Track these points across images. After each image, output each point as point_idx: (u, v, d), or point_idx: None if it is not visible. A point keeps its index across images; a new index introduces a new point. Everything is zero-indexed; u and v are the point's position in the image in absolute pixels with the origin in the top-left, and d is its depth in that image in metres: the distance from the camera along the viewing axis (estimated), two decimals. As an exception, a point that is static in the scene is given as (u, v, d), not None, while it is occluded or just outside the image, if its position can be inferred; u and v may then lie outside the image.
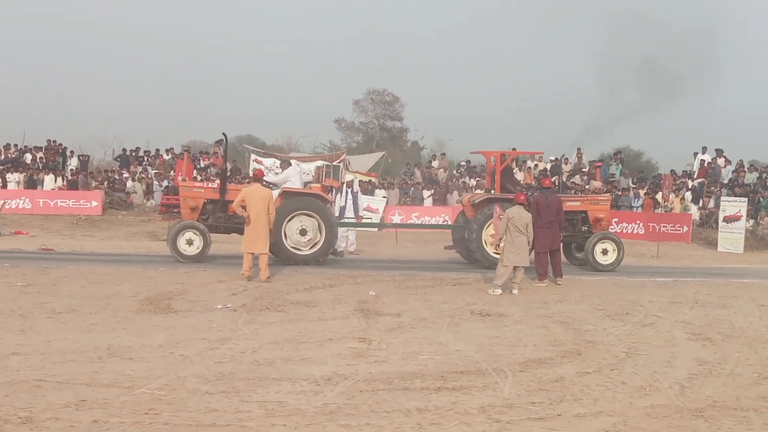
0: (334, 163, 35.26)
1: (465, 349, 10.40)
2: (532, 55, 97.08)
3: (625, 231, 29.98)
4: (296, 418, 7.30)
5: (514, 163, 35.72)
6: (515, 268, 15.54)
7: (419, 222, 31.34)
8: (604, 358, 10.12)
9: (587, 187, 33.24)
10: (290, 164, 21.16)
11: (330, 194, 20.72)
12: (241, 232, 19.01)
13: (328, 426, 7.14)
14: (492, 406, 7.87)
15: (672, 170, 33.89)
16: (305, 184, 21.50)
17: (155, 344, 10.07)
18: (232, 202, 18.68)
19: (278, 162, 35.06)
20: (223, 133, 20.57)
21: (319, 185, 20.73)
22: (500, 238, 15.80)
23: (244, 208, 15.82)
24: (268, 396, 7.96)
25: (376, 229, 29.64)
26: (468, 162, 39.74)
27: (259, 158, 36.33)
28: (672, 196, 29.58)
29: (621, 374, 9.35)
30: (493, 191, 20.28)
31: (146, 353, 9.60)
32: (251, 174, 21.98)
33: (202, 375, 8.65)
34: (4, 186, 33.54)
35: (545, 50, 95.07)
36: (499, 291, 15.27)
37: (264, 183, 17.54)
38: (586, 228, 20.06)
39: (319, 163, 35.92)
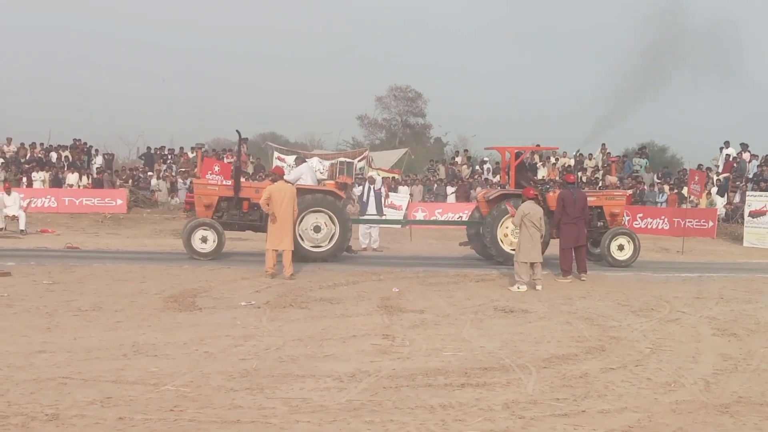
0: (356, 160, 35.39)
1: (488, 345, 10.38)
2: (558, 51, 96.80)
3: (649, 226, 29.88)
4: (320, 414, 7.32)
5: (537, 159, 35.76)
6: (532, 264, 15.49)
7: (443, 218, 31.32)
8: (628, 354, 10.08)
9: (605, 182, 33.11)
10: (304, 161, 21.18)
11: (347, 191, 20.67)
12: (255, 229, 19.09)
13: (352, 422, 7.15)
14: (516, 402, 7.86)
15: (699, 165, 33.67)
16: (319, 181, 21.51)
17: (180, 341, 10.12)
18: (246, 199, 18.78)
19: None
20: (237, 131, 20.64)
21: (332, 182, 20.71)
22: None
23: (269, 205, 15.84)
24: (292, 393, 7.98)
25: (399, 226, 29.62)
26: (482, 161, 39.81)
27: (282, 155, 36.47)
28: (698, 188, 29.14)
29: (646, 370, 9.30)
30: (507, 187, 20.23)
31: (171, 350, 9.65)
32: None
33: (227, 372, 8.68)
34: (30, 185, 33.81)
35: (574, 46, 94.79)
36: (525, 287, 15.21)
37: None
38: (602, 223, 19.93)
39: (342, 159, 36.06)
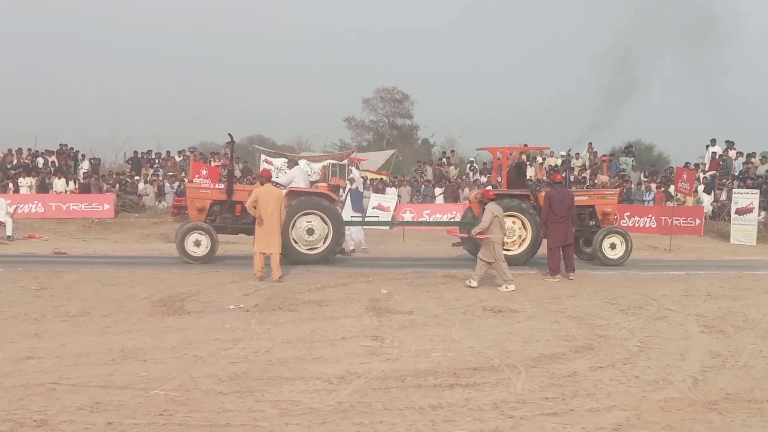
0: (343, 162, 35.39)
1: (477, 345, 10.40)
2: (542, 51, 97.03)
3: (637, 225, 29.97)
4: (310, 416, 7.33)
5: (525, 159, 35.84)
6: (491, 263, 15.58)
7: (431, 219, 31.34)
8: (617, 353, 10.12)
9: (595, 181, 33.19)
10: (296, 164, 21.17)
11: (339, 193, 20.65)
12: (248, 232, 19.06)
13: (342, 424, 7.15)
14: (505, 402, 7.88)
15: (687, 163, 33.81)
16: (312, 183, 21.48)
17: (169, 346, 10.11)
18: (239, 202, 18.78)
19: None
20: (229, 134, 20.65)
21: (325, 184, 20.70)
22: (481, 231, 15.72)
23: (256, 208, 15.82)
24: (282, 395, 7.99)
25: (387, 228, 29.64)
26: (471, 161, 39.94)
27: (269, 158, 36.40)
28: (687, 186, 28.89)
29: (634, 368, 9.34)
30: (499, 187, 20.28)
31: (160, 355, 9.64)
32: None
33: (216, 375, 8.68)
34: (17, 190, 33.69)
35: (555, 46, 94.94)
36: (513, 286, 15.25)
37: (273, 183, 17.65)
38: (594, 222, 20.01)
39: (334, 162, 36.03)
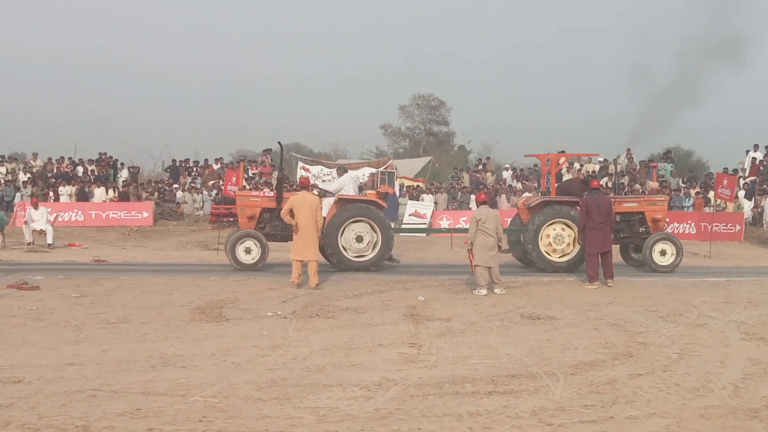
0: (389, 170, 35.43)
1: (515, 352, 10.36)
2: (580, 58, 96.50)
3: (676, 231, 29.65)
4: (348, 423, 7.34)
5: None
6: (489, 268, 15.55)
7: (468, 227, 31.32)
8: (656, 360, 10.03)
9: (637, 187, 32.94)
10: (346, 171, 21.25)
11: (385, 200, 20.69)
12: None
13: (380, 431, 7.16)
14: (543, 409, 7.84)
15: (725, 168, 33.46)
16: (360, 190, 21.57)
17: (207, 352, 10.17)
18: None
19: (326, 169, 35.27)
20: (279, 142, 20.81)
21: (374, 192, 20.77)
22: (470, 242, 15.79)
23: (292, 216, 15.90)
24: (320, 402, 8.01)
25: (425, 234, 29.66)
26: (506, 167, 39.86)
27: (307, 166, 36.57)
28: (728, 192, 28.41)
29: (674, 376, 9.25)
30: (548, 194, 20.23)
31: (199, 361, 9.70)
32: (298, 182, 22.12)
33: (254, 382, 8.72)
34: (57, 199, 34.08)
35: (594, 54, 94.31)
36: (484, 291, 15.41)
37: (320, 191, 17.76)
38: (644, 229, 19.85)
39: (369, 169, 36.08)
